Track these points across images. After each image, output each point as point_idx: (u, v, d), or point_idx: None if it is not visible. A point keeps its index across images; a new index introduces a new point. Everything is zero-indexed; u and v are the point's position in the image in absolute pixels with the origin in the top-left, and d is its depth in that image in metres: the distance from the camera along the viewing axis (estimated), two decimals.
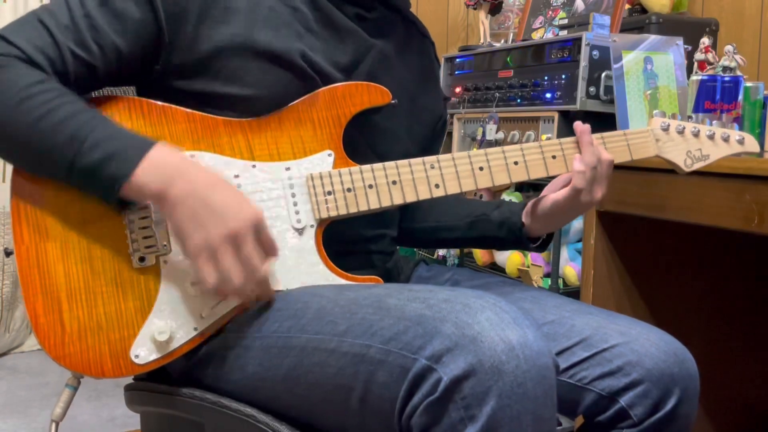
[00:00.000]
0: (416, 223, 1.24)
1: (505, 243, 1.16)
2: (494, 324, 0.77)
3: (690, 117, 1.10)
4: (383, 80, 1.04)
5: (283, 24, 0.99)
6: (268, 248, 0.89)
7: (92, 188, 0.89)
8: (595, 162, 1.01)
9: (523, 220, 1.11)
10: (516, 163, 1.02)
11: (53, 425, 0.99)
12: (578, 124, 1.03)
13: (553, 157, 1.03)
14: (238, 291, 0.88)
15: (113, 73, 0.95)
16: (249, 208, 0.87)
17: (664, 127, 1.07)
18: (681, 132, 1.07)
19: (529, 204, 1.11)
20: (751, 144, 1.09)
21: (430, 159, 0.99)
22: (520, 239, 1.13)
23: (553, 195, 1.06)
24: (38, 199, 0.91)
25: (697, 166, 1.08)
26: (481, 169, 1.01)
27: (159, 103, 0.96)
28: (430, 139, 1.19)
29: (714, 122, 1.10)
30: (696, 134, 1.08)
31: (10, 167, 0.93)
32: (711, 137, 1.08)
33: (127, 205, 0.91)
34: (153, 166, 0.87)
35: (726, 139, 1.08)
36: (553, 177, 1.08)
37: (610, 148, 1.05)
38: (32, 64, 0.89)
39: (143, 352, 0.91)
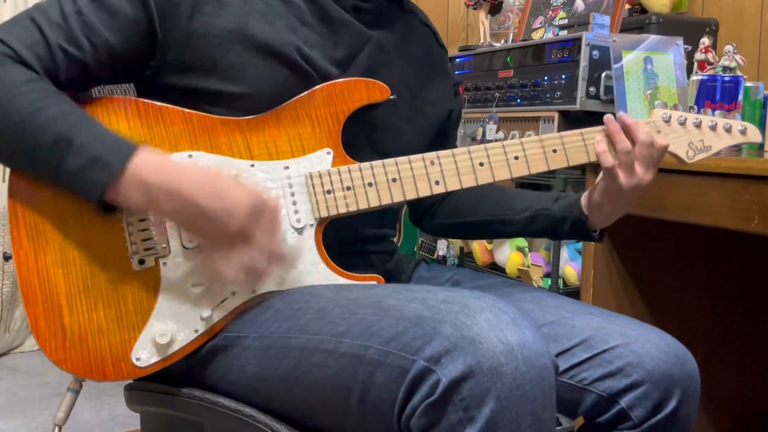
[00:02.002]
0: (462, 217, 1.22)
1: (566, 235, 1.15)
2: (493, 325, 0.77)
3: (691, 108, 1.09)
4: (381, 74, 1.03)
5: (277, 17, 0.99)
6: (272, 226, 0.89)
7: (77, 192, 0.88)
8: (628, 147, 1.00)
9: (586, 212, 1.09)
10: (516, 157, 1.01)
11: (56, 429, 0.99)
12: (606, 117, 1.03)
13: (554, 150, 1.02)
14: (262, 272, 0.89)
15: (106, 70, 0.95)
16: (241, 199, 0.86)
17: (665, 118, 1.06)
18: (683, 123, 1.06)
19: (586, 195, 1.10)
20: (754, 134, 1.08)
21: (429, 155, 0.99)
22: (583, 233, 1.11)
23: (598, 181, 1.05)
24: (36, 202, 0.90)
25: (699, 157, 1.07)
26: (481, 164, 1.00)
27: (155, 103, 0.95)
28: (438, 132, 1.18)
29: (716, 113, 1.09)
30: (698, 125, 1.06)
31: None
32: (713, 128, 1.06)
33: (115, 208, 0.91)
34: (134, 180, 0.86)
35: (728, 130, 1.07)
36: (554, 171, 1.07)
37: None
38: (22, 62, 0.89)
39: (144, 355, 0.91)
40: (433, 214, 1.26)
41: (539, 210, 1.14)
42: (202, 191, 0.86)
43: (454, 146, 1.23)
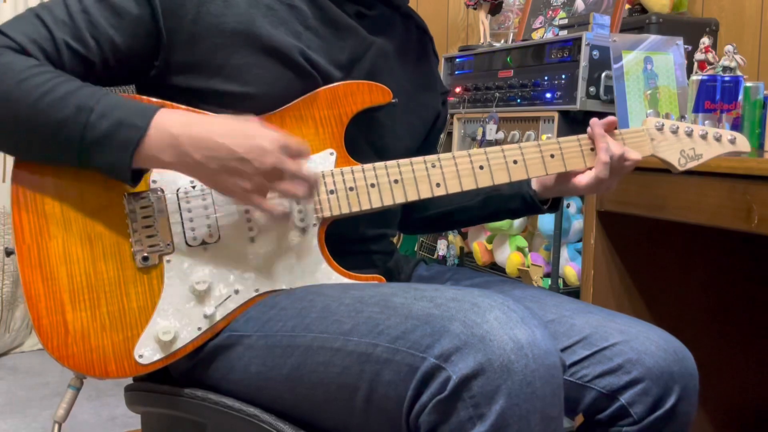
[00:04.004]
0: (431, 210, 1.25)
1: (519, 212, 1.20)
2: (503, 323, 0.77)
3: (683, 117, 1.12)
4: (383, 78, 1.04)
5: (281, 22, 0.99)
6: (300, 154, 0.90)
7: (105, 158, 0.87)
8: (618, 154, 1.04)
9: (534, 188, 1.14)
10: (515, 161, 1.03)
11: (56, 426, 0.99)
12: (593, 120, 1.06)
13: (552, 155, 1.04)
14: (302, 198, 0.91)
15: (110, 69, 0.95)
16: (269, 136, 0.88)
17: (658, 126, 1.09)
18: (675, 132, 1.09)
19: (538, 179, 1.14)
20: (743, 144, 1.11)
21: (431, 158, 1.00)
22: (533, 206, 1.16)
23: (578, 178, 1.07)
24: (39, 198, 0.90)
25: (690, 165, 1.10)
26: (481, 168, 1.01)
27: (159, 100, 0.95)
28: (429, 135, 1.21)
29: (706, 122, 1.12)
30: (689, 134, 1.10)
31: (9, 166, 0.92)
32: (704, 137, 1.10)
33: (140, 176, 0.91)
34: (163, 135, 0.87)
35: (718, 139, 1.10)
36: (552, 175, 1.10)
37: None
38: (25, 53, 0.89)
39: (147, 352, 0.91)
40: (405, 213, 1.26)
41: (491, 192, 1.19)
42: (231, 134, 0.87)
43: (435, 151, 1.25)
